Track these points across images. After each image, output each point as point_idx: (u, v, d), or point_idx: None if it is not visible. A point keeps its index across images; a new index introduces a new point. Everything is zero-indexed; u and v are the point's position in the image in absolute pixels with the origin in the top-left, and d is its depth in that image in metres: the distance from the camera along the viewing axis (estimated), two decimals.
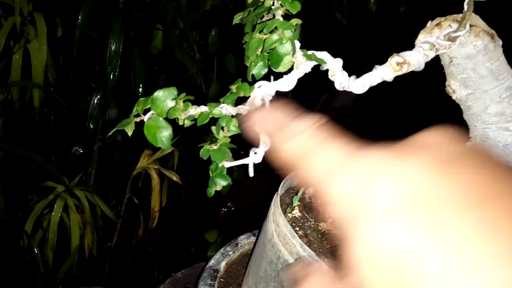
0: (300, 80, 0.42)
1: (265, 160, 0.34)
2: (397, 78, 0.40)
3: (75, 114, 1.35)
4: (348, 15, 2.03)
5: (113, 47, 1.18)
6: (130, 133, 0.42)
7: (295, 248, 0.41)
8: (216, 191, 0.44)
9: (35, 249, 1.35)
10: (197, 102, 0.42)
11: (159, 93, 0.41)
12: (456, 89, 0.44)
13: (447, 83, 0.44)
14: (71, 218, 1.41)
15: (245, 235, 0.66)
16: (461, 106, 0.46)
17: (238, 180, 1.52)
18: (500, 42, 0.42)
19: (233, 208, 1.55)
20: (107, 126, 1.38)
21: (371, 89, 0.42)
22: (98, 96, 1.29)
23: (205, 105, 0.40)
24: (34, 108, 1.28)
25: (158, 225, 1.60)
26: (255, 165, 0.40)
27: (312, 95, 2.02)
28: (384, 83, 0.41)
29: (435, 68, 0.45)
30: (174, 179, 1.45)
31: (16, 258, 1.38)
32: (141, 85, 1.28)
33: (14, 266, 1.39)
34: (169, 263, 1.78)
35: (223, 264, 0.59)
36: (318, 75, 0.44)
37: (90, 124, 1.33)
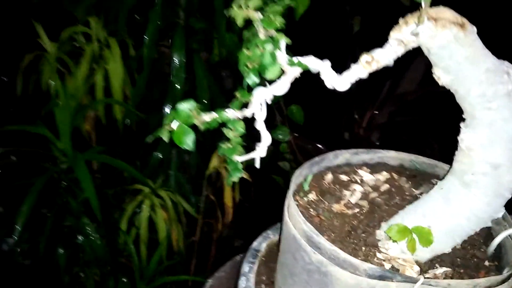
0: None
1: None
2: None
3: (151, 123, 1.50)
4: None
5: (176, 60, 1.31)
6: (166, 139, 0.52)
7: (300, 225, 0.49)
8: None
9: (131, 246, 1.53)
10: None
11: (180, 105, 0.50)
12: (440, 76, 0.48)
13: (432, 70, 0.49)
14: (158, 215, 1.57)
15: None
16: (451, 90, 0.50)
17: None
18: (474, 29, 0.45)
19: None
20: None
21: None
22: (169, 105, 1.42)
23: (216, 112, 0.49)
24: (117, 121, 1.46)
25: (242, 219, 1.71)
26: None
27: (377, 82, 2.02)
28: None
29: None
30: (244, 176, 1.54)
31: (116, 252, 1.57)
32: (205, 92, 1.40)
33: (114, 259, 1.58)
34: None
35: (264, 245, 0.68)
36: None
37: None
